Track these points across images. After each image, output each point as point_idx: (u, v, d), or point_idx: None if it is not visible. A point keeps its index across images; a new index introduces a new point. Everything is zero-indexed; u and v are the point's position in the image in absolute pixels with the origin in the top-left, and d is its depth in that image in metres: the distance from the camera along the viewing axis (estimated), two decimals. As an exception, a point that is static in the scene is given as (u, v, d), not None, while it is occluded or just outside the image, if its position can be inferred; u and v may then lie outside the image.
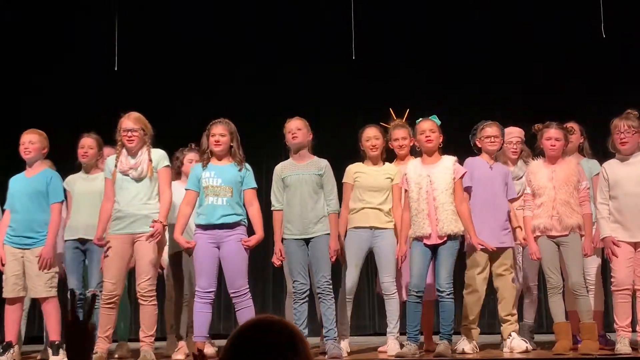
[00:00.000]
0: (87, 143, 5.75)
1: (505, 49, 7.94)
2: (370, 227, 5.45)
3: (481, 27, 8.02)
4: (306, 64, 8.09)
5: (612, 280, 5.19)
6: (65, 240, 5.56)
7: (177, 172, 5.91)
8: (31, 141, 5.51)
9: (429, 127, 5.26)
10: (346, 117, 7.97)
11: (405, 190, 5.30)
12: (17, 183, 5.55)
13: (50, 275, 5.43)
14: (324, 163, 5.31)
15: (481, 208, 5.33)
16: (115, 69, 7.46)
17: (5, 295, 5.45)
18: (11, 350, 5.39)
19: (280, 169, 5.35)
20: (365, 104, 7.97)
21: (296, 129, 5.32)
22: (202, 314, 5.12)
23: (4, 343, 5.45)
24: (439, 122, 5.37)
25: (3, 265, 5.47)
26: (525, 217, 5.37)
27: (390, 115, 5.96)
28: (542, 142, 5.39)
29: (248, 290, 5.12)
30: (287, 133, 5.37)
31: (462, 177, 5.21)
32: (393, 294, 5.41)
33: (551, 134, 5.33)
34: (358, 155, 5.71)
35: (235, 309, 5.16)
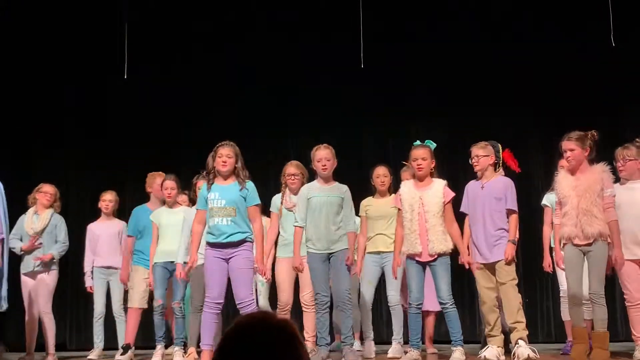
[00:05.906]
0: (169, 185, 6.45)
1: (513, 61, 7.96)
2: (379, 252, 6.25)
3: (488, 39, 8.05)
4: (314, 73, 8.13)
5: (624, 297, 5.53)
6: (156, 262, 6.43)
7: (191, 199, 6.39)
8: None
9: (421, 155, 5.68)
10: (352, 124, 8.02)
11: (399, 209, 5.73)
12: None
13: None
14: (345, 188, 5.84)
15: (472, 226, 5.67)
16: (125, 77, 7.53)
17: (142, 305, 6.60)
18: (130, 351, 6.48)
19: (307, 190, 5.84)
20: (372, 111, 8.00)
21: (325, 159, 5.76)
22: (210, 323, 5.36)
23: (124, 345, 6.49)
24: (433, 146, 5.75)
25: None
26: (555, 225, 5.59)
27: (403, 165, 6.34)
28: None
29: (253, 301, 5.38)
30: (315, 161, 5.80)
31: (450, 201, 5.62)
32: (397, 305, 6.29)
33: (563, 147, 5.42)
34: (363, 161, 6.07)
35: (242, 318, 5.29)
